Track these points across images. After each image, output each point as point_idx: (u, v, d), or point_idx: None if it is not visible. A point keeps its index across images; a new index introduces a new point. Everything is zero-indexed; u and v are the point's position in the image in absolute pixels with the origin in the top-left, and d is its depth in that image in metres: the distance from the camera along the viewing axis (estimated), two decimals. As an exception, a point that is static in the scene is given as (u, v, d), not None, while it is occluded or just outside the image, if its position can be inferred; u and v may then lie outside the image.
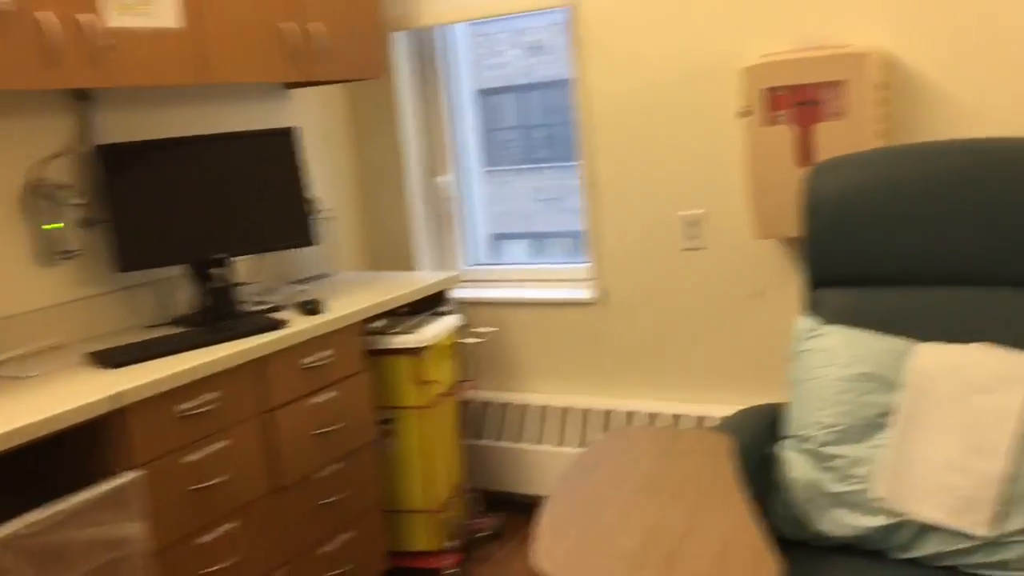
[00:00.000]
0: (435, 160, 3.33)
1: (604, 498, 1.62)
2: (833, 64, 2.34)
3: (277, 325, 2.36)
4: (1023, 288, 1.89)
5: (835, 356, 1.93)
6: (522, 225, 3.48)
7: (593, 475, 1.73)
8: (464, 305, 3.22)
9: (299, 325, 2.39)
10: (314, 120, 3.19)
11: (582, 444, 3.01)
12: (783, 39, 2.56)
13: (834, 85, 2.35)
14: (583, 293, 3.02)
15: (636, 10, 2.75)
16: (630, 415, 2.94)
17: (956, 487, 1.69)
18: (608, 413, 2.97)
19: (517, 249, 3.51)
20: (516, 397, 3.14)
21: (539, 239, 3.53)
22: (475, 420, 3.20)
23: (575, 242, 3.28)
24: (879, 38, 2.45)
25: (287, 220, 2.71)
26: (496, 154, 3.42)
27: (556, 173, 3.32)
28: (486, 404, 3.18)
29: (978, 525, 1.66)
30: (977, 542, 1.66)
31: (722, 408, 2.82)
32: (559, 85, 3.18)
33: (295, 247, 2.74)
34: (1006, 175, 1.91)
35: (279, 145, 2.72)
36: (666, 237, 2.84)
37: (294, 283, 3.01)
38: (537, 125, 3.58)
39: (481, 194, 3.38)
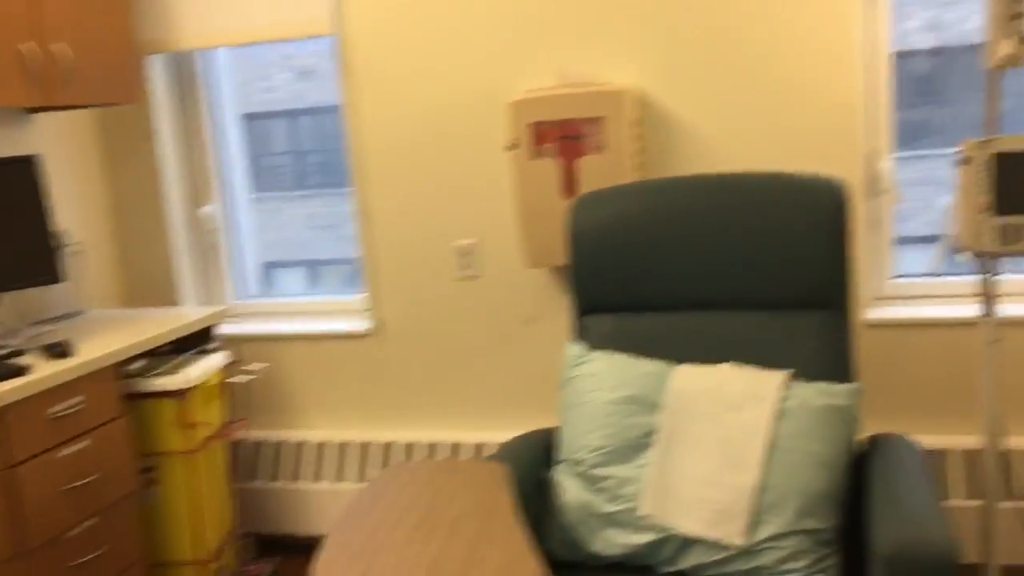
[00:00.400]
0: (198, 188, 3.17)
1: (382, 537, 1.59)
2: (592, 101, 2.45)
3: (18, 372, 2.14)
4: (763, 311, 2.05)
5: (602, 381, 2.01)
6: (296, 253, 3.38)
7: (371, 513, 1.69)
8: (233, 341, 3.08)
9: (44, 370, 2.18)
10: (61, 147, 2.95)
11: (362, 480, 2.95)
12: (548, 75, 2.66)
13: (594, 121, 2.46)
14: (358, 324, 2.97)
15: (405, 40, 2.76)
16: (410, 447, 2.91)
17: (712, 500, 1.80)
18: (388, 446, 2.93)
19: (292, 278, 3.41)
20: (291, 435, 3.03)
21: (315, 267, 3.44)
22: (248, 461, 3.06)
23: (354, 269, 3.23)
24: (634, 77, 2.60)
25: (29, 255, 2.48)
26: (266, 181, 3.31)
27: (331, 200, 3.26)
28: (259, 444, 3.05)
29: (734, 536, 1.77)
30: (734, 551, 1.78)
31: (501, 434, 2.86)
32: (331, 110, 3.13)
33: (39, 285, 2.51)
34: (741, 206, 2.07)
35: (19, 174, 2.49)
36: (440, 266, 2.85)
37: (39, 324, 2.76)
38: (309, 151, 3.51)
39: (250, 223, 3.26)
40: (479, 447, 2.85)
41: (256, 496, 3.04)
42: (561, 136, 2.49)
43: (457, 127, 2.76)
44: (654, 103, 2.60)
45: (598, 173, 2.49)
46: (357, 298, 3.06)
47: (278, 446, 3.02)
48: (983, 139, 1.77)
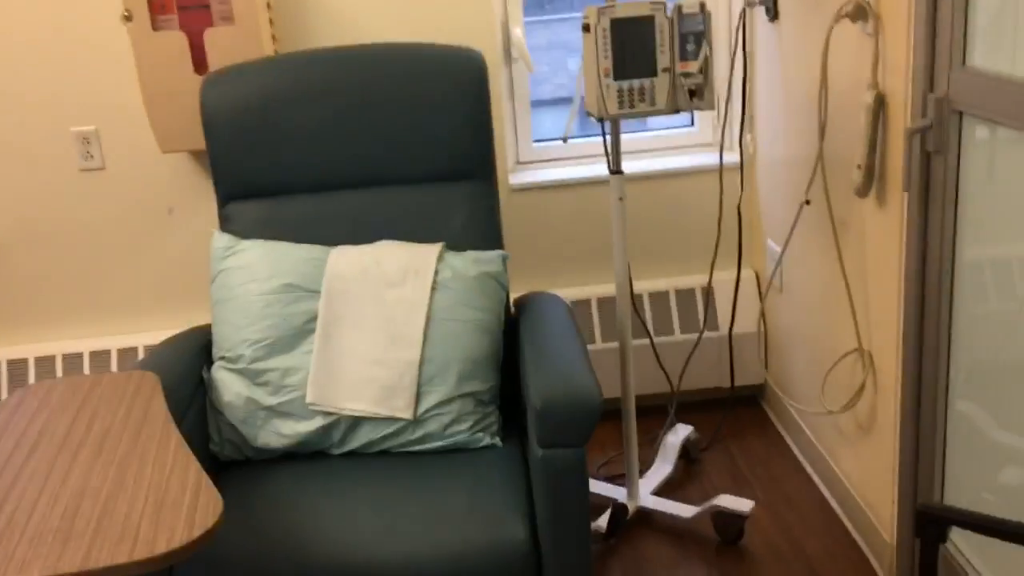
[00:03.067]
0: None
1: (17, 468, 1.42)
2: (215, -35, 2.24)
3: None
4: (412, 185, 2.05)
5: (255, 271, 1.91)
6: None
7: (3, 441, 1.50)
8: None
9: None
10: None
11: (-8, 404, 2.62)
12: (159, -65, 2.37)
13: (219, -12, 2.25)
14: (-36, 232, 2.57)
15: None
16: (44, 361, 2.63)
17: (378, 379, 1.81)
18: (24, 363, 2.62)
19: None
20: None
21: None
22: None
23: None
24: (260, -61, 2.40)
25: None
26: None
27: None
28: None
29: (401, 409, 1.81)
30: (401, 424, 1.81)
31: (154, 335, 2.66)
32: None
33: None
34: (381, 79, 2.02)
35: None
36: (58, 158, 2.53)
37: None
38: None
39: None
40: (128, 352, 2.64)
41: None
42: (182, 5, 2.26)
43: (60, -4, 2.41)
44: (284, -32, 2.43)
45: (229, 47, 2.29)
46: (-42, 201, 2.64)
47: None
48: (602, 6, 1.85)
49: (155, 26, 2.28)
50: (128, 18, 2.26)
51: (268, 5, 2.35)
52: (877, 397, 1.95)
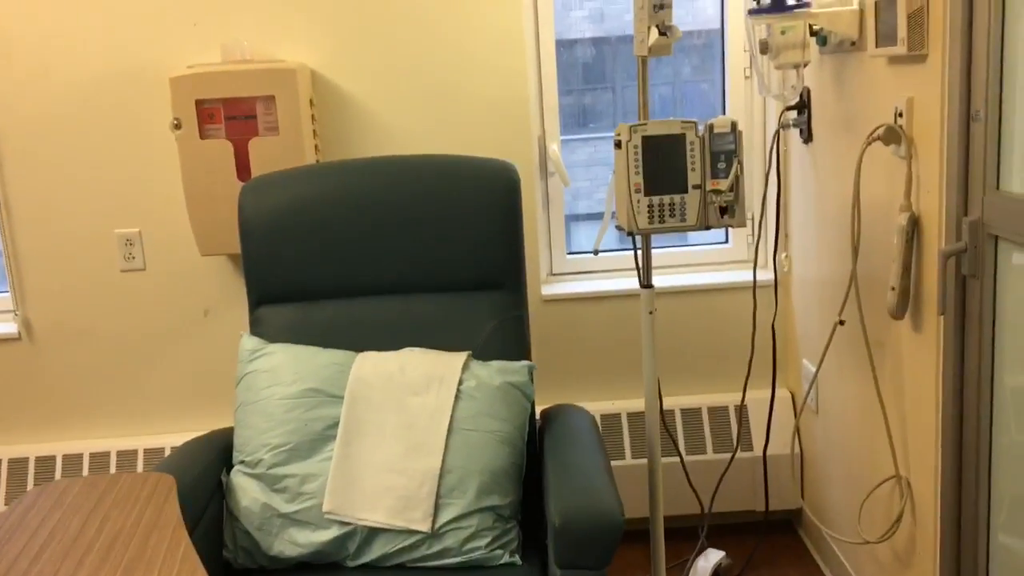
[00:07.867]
0: None
1: (22, 570, 1.40)
2: (261, 79, 2.32)
3: None
4: (442, 293, 2.05)
5: (280, 375, 1.91)
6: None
7: (12, 542, 1.48)
8: None
9: None
10: None
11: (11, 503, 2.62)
12: (210, 51, 2.48)
13: (265, 100, 2.33)
14: (3, 328, 2.62)
15: (46, 10, 2.45)
16: (71, 459, 2.63)
17: (396, 488, 1.78)
18: (52, 460, 2.63)
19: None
20: (-74, 457, 2.63)
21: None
22: None
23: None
24: (307, 56, 2.50)
25: None
26: None
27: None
28: None
29: (417, 522, 1.76)
30: (418, 537, 1.76)
31: (184, 436, 2.66)
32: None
33: None
34: (416, 190, 2.05)
35: None
36: (101, 259, 2.59)
37: None
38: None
39: None
40: (155, 452, 2.63)
41: None
42: (229, 116, 2.34)
43: (116, 105, 2.51)
44: (328, 84, 2.51)
45: (273, 155, 2.36)
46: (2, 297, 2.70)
47: (-91, 473, 2.61)
48: (633, 124, 1.88)
49: (202, 135, 2.36)
50: (177, 126, 2.34)
51: (313, 117, 2.43)
52: (916, 527, 1.86)
